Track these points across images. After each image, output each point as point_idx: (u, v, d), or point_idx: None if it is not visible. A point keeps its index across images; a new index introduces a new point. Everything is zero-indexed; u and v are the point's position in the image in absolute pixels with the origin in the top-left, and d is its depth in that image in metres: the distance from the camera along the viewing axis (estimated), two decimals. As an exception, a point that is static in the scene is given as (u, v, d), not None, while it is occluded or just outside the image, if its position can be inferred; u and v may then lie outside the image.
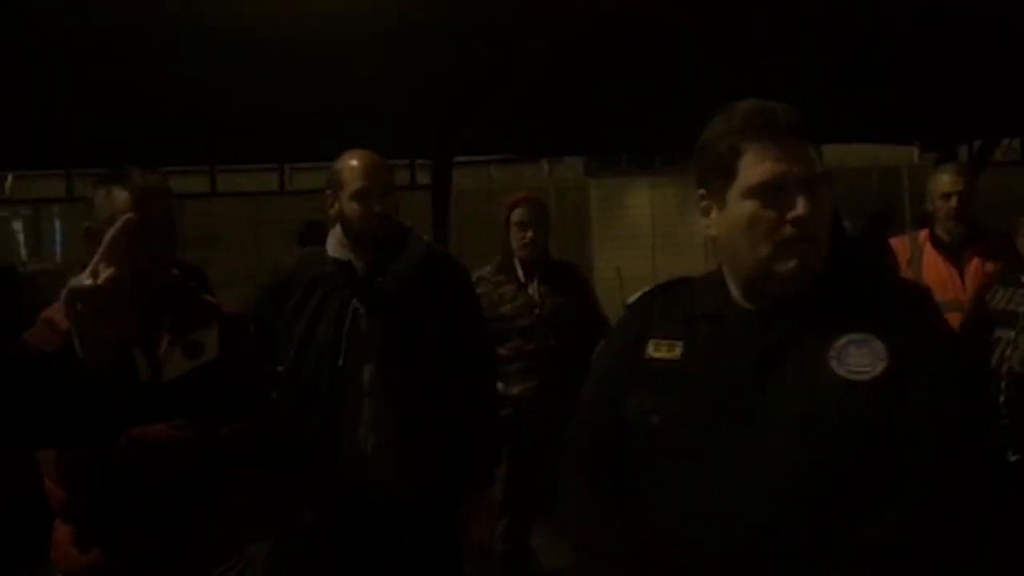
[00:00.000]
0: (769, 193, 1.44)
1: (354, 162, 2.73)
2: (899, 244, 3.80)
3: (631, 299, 1.70)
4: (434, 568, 2.77)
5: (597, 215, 11.36)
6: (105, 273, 1.26)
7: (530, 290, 3.70)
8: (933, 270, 3.62)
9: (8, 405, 1.31)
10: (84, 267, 1.78)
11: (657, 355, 1.53)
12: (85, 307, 1.25)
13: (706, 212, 1.54)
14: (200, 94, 4.42)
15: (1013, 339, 2.72)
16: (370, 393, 2.68)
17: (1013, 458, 2.55)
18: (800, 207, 1.42)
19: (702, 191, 1.54)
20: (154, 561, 2.07)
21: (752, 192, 1.45)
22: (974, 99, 5.36)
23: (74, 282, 1.26)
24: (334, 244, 2.79)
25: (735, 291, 1.54)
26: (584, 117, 5.26)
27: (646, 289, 1.70)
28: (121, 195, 2.08)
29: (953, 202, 3.62)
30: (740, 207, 1.47)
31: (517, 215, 3.76)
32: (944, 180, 3.69)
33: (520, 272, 3.74)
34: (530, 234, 3.72)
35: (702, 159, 1.53)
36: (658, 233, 11.11)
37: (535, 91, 4.67)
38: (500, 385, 3.56)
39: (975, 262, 3.57)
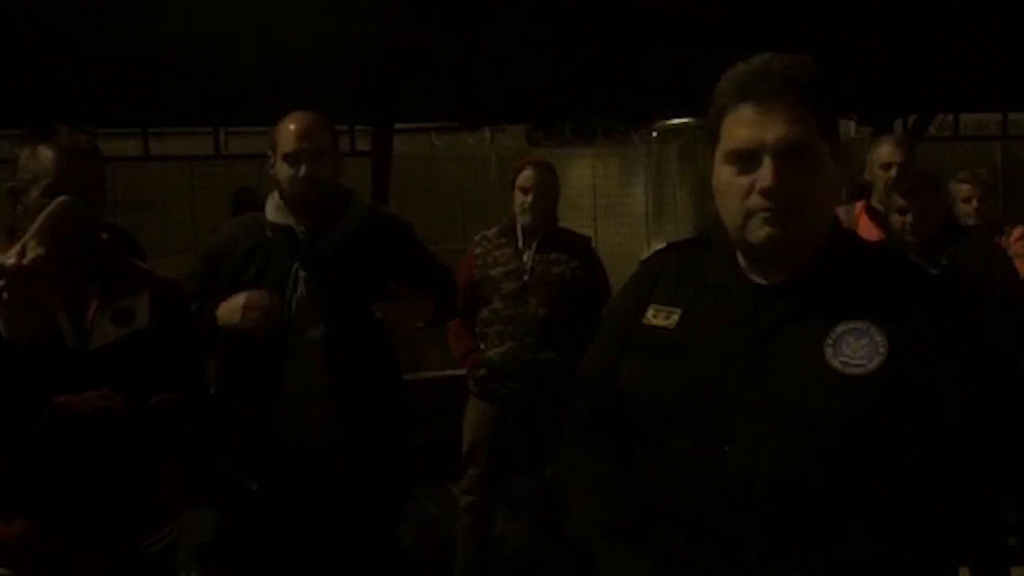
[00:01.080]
0: (743, 159, 1.38)
1: (289, 125, 2.69)
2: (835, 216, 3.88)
3: (644, 256, 1.64)
4: (373, 529, 2.78)
5: (538, 184, 11.34)
6: (33, 253, 1.22)
7: (525, 256, 3.63)
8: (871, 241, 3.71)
9: None
10: (8, 231, 1.73)
11: (655, 322, 1.48)
12: (9, 285, 1.21)
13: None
14: (134, 54, 4.30)
15: None
16: (316, 357, 2.65)
17: None
18: (767, 177, 1.35)
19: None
20: (81, 532, 2.03)
21: (728, 158, 1.40)
22: (909, 74, 5.45)
23: None
24: (272, 208, 2.75)
25: (743, 261, 1.46)
26: (526, 86, 5.24)
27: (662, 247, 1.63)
28: (47, 154, 2.02)
29: (893, 172, 3.69)
30: (720, 172, 1.42)
31: (521, 179, 3.66)
32: (884, 151, 3.77)
33: (520, 237, 3.67)
34: (530, 199, 3.62)
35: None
36: (600, 204, 11.16)
37: (477, 59, 4.63)
38: (481, 345, 3.63)
39: None
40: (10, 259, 1.22)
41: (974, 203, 4.25)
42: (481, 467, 3.60)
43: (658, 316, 1.48)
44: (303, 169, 2.64)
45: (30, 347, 1.26)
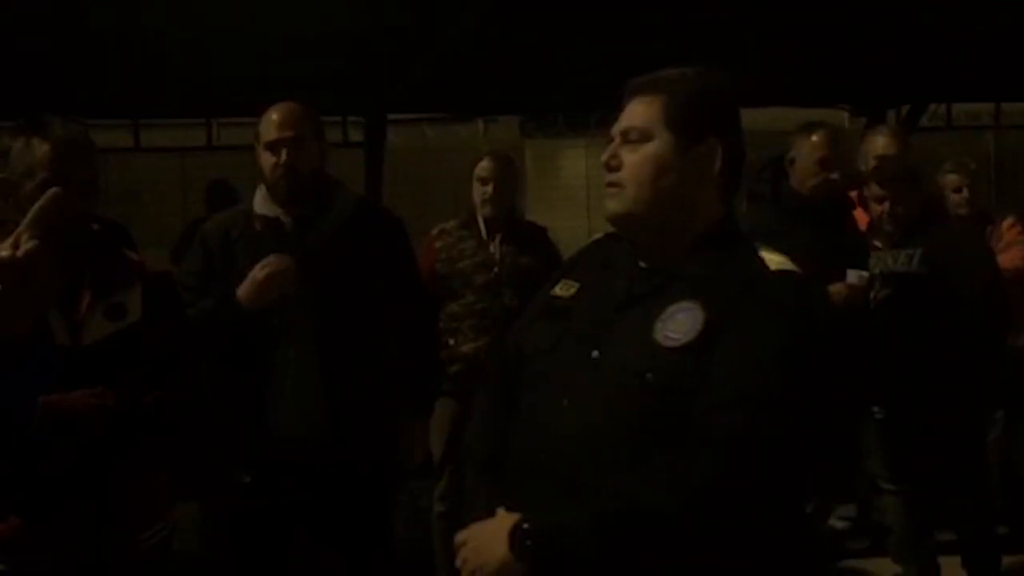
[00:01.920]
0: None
1: (271, 115, 2.69)
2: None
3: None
4: (364, 521, 2.77)
5: (532, 176, 11.33)
6: (27, 246, 1.20)
7: (491, 248, 3.61)
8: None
9: None
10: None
11: (558, 292, 1.67)
12: (3, 279, 1.19)
13: None
14: (125, 45, 4.27)
15: None
16: (306, 350, 2.64)
17: None
18: (604, 154, 1.58)
19: None
20: (73, 529, 2.02)
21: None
22: (903, 64, 5.44)
23: None
24: (259, 200, 2.73)
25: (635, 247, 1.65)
26: (520, 77, 5.22)
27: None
28: (41, 147, 2.00)
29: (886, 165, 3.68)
30: None
31: (480, 169, 3.66)
32: (880, 142, 3.81)
33: (483, 228, 3.64)
34: (490, 189, 3.61)
35: None
36: (593, 195, 11.12)
37: (470, 49, 4.60)
38: (451, 341, 3.55)
39: None
40: (3, 251, 1.20)
41: (964, 192, 4.26)
42: (455, 472, 3.56)
43: (563, 288, 1.67)
44: (283, 156, 2.63)
45: (16, 343, 1.24)
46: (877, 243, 3.53)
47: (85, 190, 2.01)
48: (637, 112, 1.58)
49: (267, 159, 2.67)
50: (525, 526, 1.43)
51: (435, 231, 3.74)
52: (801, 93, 6.37)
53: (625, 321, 1.53)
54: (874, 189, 3.51)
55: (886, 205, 3.47)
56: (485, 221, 3.64)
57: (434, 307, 3.09)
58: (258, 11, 4.06)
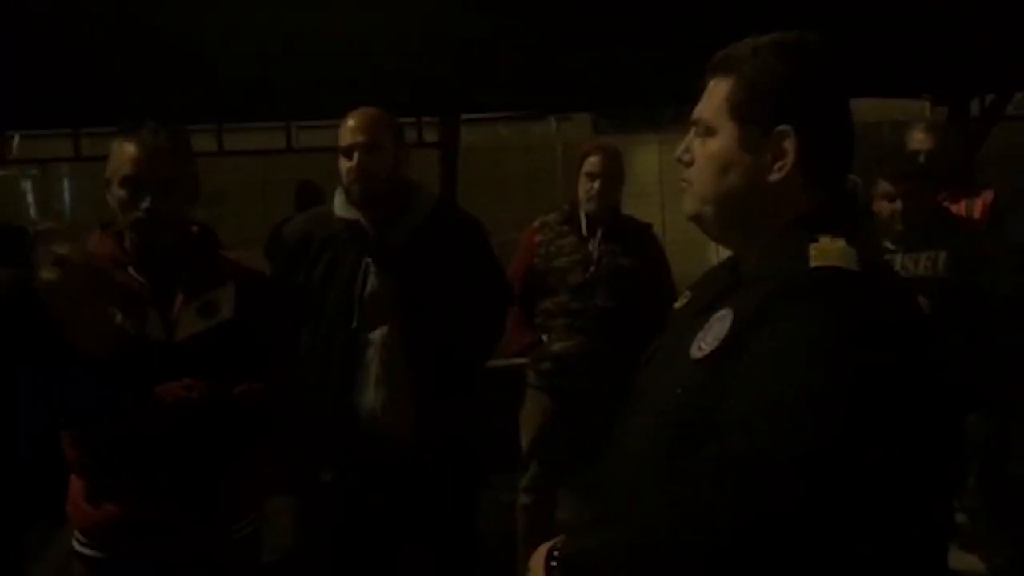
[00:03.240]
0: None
1: (348, 120, 2.75)
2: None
3: (711, 246, 1.77)
4: (448, 515, 2.81)
5: (605, 172, 11.27)
6: (50, 274, 1.25)
7: (590, 246, 3.52)
8: None
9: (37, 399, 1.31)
10: (103, 226, 1.79)
11: (677, 304, 1.57)
12: (57, 297, 1.24)
13: None
14: (208, 52, 4.39)
15: None
16: (383, 351, 2.70)
17: None
18: (679, 147, 1.48)
19: None
20: (167, 517, 2.10)
21: None
22: (986, 52, 5.29)
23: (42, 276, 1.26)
24: (339, 203, 2.80)
25: None
26: (592, 74, 5.21)
27: None
28: (128, 149, 2.10)
29: (922, 159, 3.65)
30: None
31: (588, 164, 3.55)
32: (916, 137, 3.76)
33: (584, 225, 3.56)
34: (597, 185, 3.52)
35: None
36: (666, 191, 11.04)
37: (543, 47, 4.62)
38: (544, 338, 3.55)
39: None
40: (49, 273, 1.26)
41: None
42: (541, 465, 3.56)
43: (681, 299, 1.56)
44: (356, 161, 2.69)
45: (108, 369, 1.31)
46: (889, 244, 3.32)
47: (168, 191, 2.09)
48: (707, 97, 1.46)
49: (343, 163, 2.73)
50: (555, 551, 1.37)
51: (536, 223, 3.68)
52: (880, 83, 6.24)
53: (689, 332, 1.40)
54: (882, 186, 3.32)
55: (898, 203, 3.28)
56: (587, 217, 3.56)
57: (505, 306, 3.09)
58: (335, 15, 4.14)
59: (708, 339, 1.33)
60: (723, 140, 1.42)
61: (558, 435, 3.54)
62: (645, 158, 11.38)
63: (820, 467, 1.18)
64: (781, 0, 4.26)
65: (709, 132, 1.44)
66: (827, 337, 1.22)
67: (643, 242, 3.66)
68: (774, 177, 1.40)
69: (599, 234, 3.55)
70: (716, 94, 1.44)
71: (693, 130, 1.47)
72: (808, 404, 1.20)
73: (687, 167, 1.47)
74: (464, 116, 6.27)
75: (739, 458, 1.20)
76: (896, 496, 1.24)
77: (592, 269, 3.51)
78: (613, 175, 3.59)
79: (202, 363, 2.07)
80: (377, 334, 2.71)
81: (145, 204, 2.06)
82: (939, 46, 5.05)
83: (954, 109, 6.23)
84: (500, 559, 3.67)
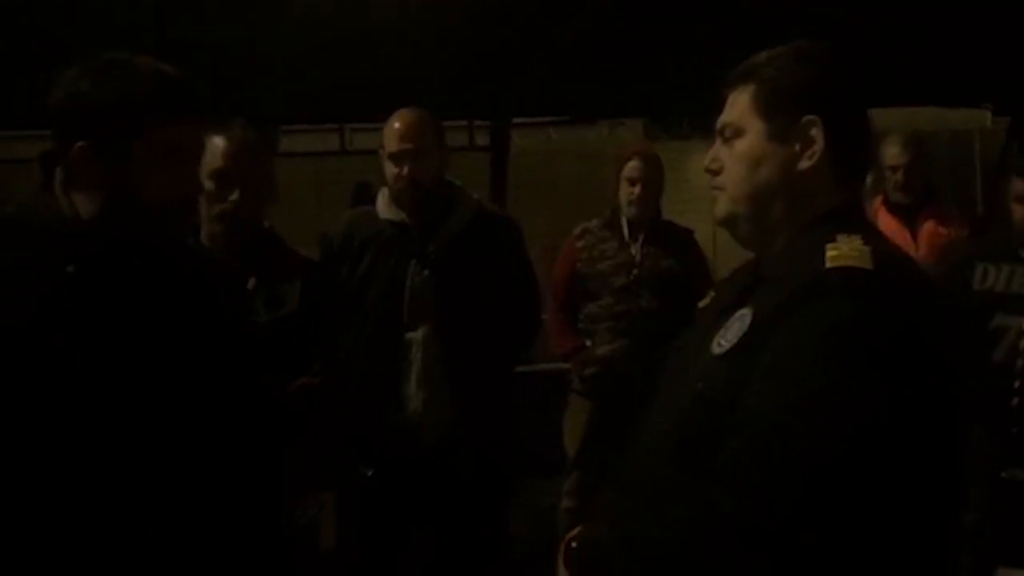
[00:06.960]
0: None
1: (394, 123, 2.75)
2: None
3: None
4: (482, 514, 2.82)
5: (657, 178, 11.23)
6: None
7: (632, 249, 3.54)
8: (887, 233, 3.57)
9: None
10: None
11: (702, 303, 1.60)
12: None
13: None
14: (261, 55, 4.45)
15: None
16: (424, 352, 2.71)
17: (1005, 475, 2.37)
18: (707, 158, 1.50)
19: None
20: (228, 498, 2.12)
21: None
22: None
23: None
24: (383, 204, 2.82)
25: None
26: (644, 79, 5.19)
27: None
28: (217, 144, 2.16)
29: (899, 176, 3.68)
30: None
31: (628, 169, 3.56)
32: (891, 152, 3.70)
33: (625, 229, 3.57)
34: (639, 190, 3.52)
35: None
36: (719, 197, 10.96)
37: (594, 51, 4.61)
38: (588, 343, 3.55)
39: (929, 224, 3.67)
40: None
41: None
42: (585, 469, 3.56)
43: (706, 298, 1.61)
44: (405, 169, 2.70)
45: None
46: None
47: (253, 188, 2.14)
48: (730, 106, 1.48)
49: (390, 169, 2.75)
50: (573, 543, 1.41)
51: (578, 230, 3.69)
52: (941, 92, 6.13)
53: (712, 329, 1.41)
54: (1018, 186, 3.10)
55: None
56: (629, 222, 3.57)
57: (536, 314, 3.07)
58: (387, 19, 4.17)
59: (728, 336, 1.35)
60: (751, 137, 1.44)
61: (602, 440, 3.54)
62: (697, 164, 11.22)
63: (832, 466, 1.20)
64: (837, 9, 4.21)
65: (737, 134, 1.46)
66: (839, 336, 1.24)
67: (685, 246, 3.66)
68: (804, 165, 1.40)
69: (641, 238, 3.56)
70: (739, 101, 1.46)
71: (719, 139, 1.49)
72: (820, 403, 1.21)
73: (715, 175, 1.49)
74: (515, 120, 6.27)
75: (755, 456, 1.22)
76: (906, 490, 1.25)
77: (635, 272, 3.53)
78: (653, 179, 3.59)
79: (265, 354, 2.11)
80: (419, 335, 2.73)
81: (233, 196, 2.12)
82: (1001, 56, 4.95)
83: (1015, 120, 6.10)
84: (538, 565, 3.66)
